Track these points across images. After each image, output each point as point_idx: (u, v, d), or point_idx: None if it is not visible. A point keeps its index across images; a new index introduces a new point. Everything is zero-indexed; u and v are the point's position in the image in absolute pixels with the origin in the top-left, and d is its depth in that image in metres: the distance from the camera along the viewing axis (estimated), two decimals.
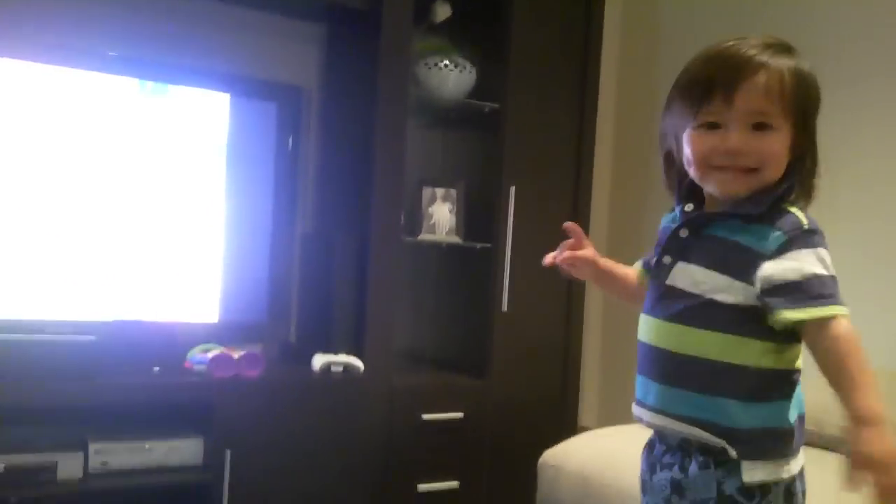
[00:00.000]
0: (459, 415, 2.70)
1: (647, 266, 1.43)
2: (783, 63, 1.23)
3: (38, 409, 2.18)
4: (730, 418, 1.23)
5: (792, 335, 1.23)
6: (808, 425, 2.19)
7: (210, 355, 2.36)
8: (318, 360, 2.52)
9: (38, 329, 2.25)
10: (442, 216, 2.86)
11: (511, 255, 2.80)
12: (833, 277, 1.18)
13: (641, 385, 1.33)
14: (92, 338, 2.29)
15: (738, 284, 1.22)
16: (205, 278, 2.53)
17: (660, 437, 1.35)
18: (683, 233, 1.30)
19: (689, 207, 1.32)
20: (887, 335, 2.52)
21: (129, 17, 2.58)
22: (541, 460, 2.37)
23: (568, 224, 1.47)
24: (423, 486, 2.63)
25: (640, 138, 3.42)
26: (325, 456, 2.47)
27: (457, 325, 2.98)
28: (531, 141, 2.87)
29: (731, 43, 1.25)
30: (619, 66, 3.51)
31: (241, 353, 2.40)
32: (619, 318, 3.42)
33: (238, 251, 2.58)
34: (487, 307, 2.81)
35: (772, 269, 1.19)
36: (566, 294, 2.95)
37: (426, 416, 2.63)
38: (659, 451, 1.34)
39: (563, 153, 2.95)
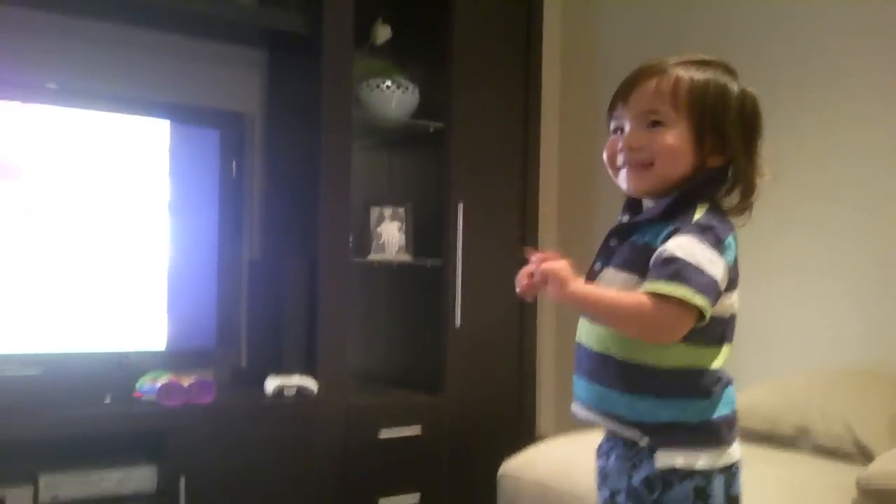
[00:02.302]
0: (417, 430, 2.69)
1: None
2: (686, 72, 1.31)
3: None
4: (636, 413, 1.28)
5: (712, 337, 1.27)
6: (762, 424, 2.26)
7: (159, 384, 2.32)
8: (271, 384, 2.50)
9: None
10: (391, 235, 2.86)
11: (462, 271, 2.82)
12: (689, 264, 1.19)
13: (575, 382, 1.39)
14: (37, 372, 2.25)
15: (637, 280, 1.26)
16: (151, 306, 2.50)
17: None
18: (613, 242, 1.37)
19: (624, 219, 1.39)
20: (862, 333, 2.57)
21: (68, 46, 2.56)
22: (500, 471, 2.37)
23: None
24: (383, 501, 2.61)
25: (585, 151, 3.47)
26: (281, 477, 2.43)
27: (410, 342, 2.98)
28: (477, 158, 2.90)
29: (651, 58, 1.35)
30: (561, 81, 3.57)
31: (192, 379, 2.37)
32: (572, 327, 3.43)
33: (184, 278, 2.55)
34: (440, 323, 2.82)
35: (653, 257, 1.24)
36: (518, 306, 2.96)
37: (383, 434, 2.62)
38: (603, 439, 1.41)
39: (509, 168, 2.99)
